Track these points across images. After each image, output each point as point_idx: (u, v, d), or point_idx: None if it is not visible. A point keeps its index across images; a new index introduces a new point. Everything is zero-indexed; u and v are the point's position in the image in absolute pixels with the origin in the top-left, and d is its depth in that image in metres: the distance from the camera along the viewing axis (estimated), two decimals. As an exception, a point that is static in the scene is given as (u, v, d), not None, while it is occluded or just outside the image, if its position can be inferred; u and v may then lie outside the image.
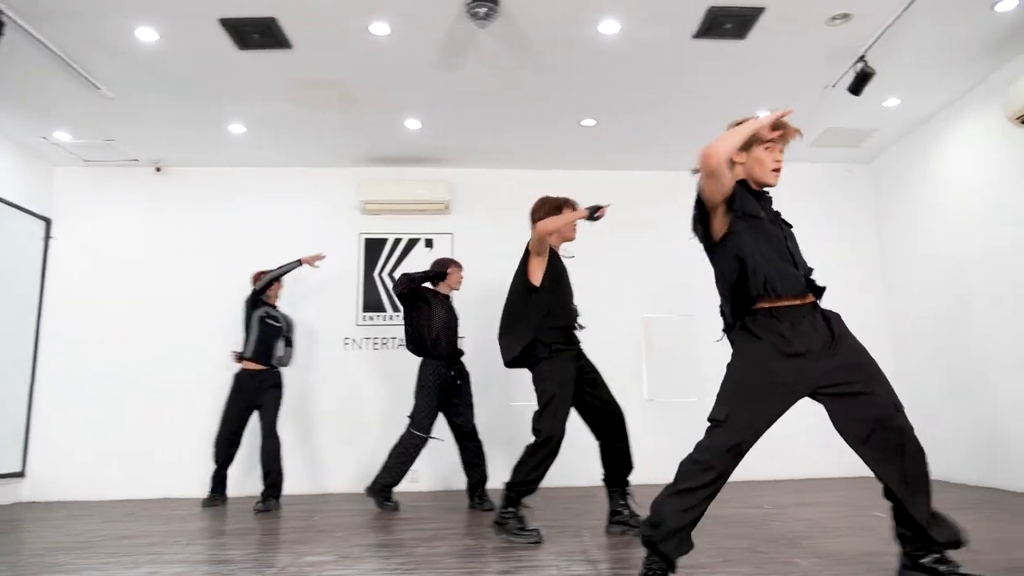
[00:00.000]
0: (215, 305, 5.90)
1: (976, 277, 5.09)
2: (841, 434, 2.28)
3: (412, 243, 6.24)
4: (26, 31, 3.95)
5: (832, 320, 2.31)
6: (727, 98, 5.05)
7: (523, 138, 5.75)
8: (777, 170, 2.37)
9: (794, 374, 2.22)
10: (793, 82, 4.84)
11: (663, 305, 6.26)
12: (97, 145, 5.63)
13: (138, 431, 5.76)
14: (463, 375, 4.79)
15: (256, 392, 5.06)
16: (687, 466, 2.25)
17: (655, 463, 6.11)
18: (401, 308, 4.93)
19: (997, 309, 4.88)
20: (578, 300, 3.70)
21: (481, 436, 4.75)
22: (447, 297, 4.89)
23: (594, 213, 3.48)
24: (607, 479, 3.60)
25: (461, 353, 4.83)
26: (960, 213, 5.28)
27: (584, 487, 5.36)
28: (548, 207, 3.55)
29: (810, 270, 2.38)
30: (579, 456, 5.95)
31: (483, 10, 3.65)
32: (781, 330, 2.23)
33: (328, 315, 6.07)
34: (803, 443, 5.37)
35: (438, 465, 5.63)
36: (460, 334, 4.92)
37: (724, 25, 4.07)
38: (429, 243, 6.23)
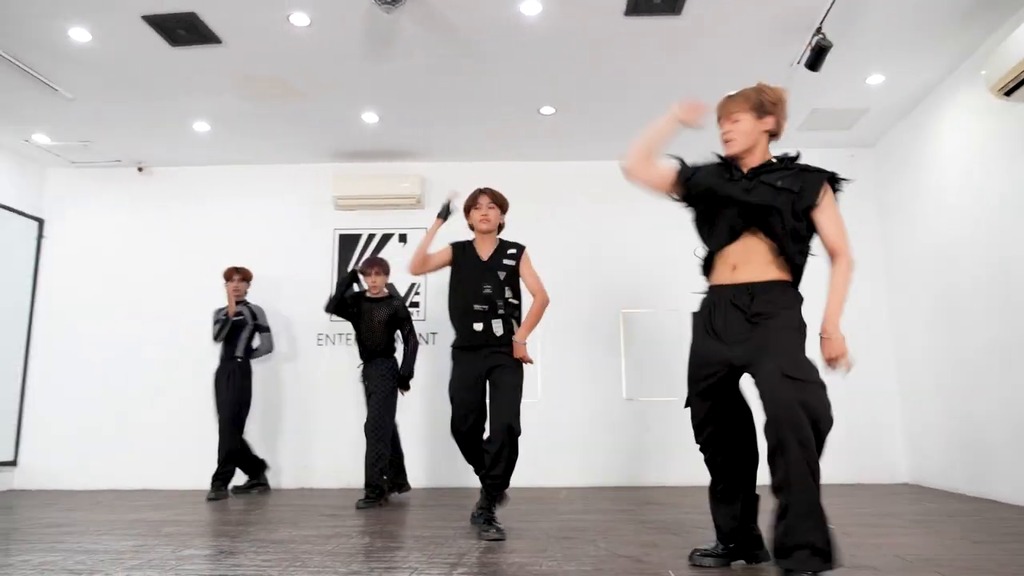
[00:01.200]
0: (200, 301, 5.97)
1: (974, 264, 4.62)
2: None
3: (386, 238, 6.18)
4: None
5: (755, 297, 2.34)
6: (682, 79, 4.72)
7: (484, 129, 5.60)
8: (727, 141, 2.46)
9: (716, 353, 2.36)
10: (751, 60, 4.49)
11: (644, 300, 6.00)
12: (76, 147, 5.81)
13: (125, 424, 5.93)
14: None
15: (222, 387, 5.21)
16: None
17: (633, 464, 5.91)
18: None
19: (993, 298, 4.44)
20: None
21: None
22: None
23: (444, 213, 3.80)
24: None
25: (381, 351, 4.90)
26: (959, 196, 4.81)
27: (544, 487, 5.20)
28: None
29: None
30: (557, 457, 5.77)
31: (386, -7, 3.54)
32: (709, 308, 2.43)
33: (303, 311, 6.07)
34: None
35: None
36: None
37: (653, 0, 3.83)
38: (403, 238, 6.16)
